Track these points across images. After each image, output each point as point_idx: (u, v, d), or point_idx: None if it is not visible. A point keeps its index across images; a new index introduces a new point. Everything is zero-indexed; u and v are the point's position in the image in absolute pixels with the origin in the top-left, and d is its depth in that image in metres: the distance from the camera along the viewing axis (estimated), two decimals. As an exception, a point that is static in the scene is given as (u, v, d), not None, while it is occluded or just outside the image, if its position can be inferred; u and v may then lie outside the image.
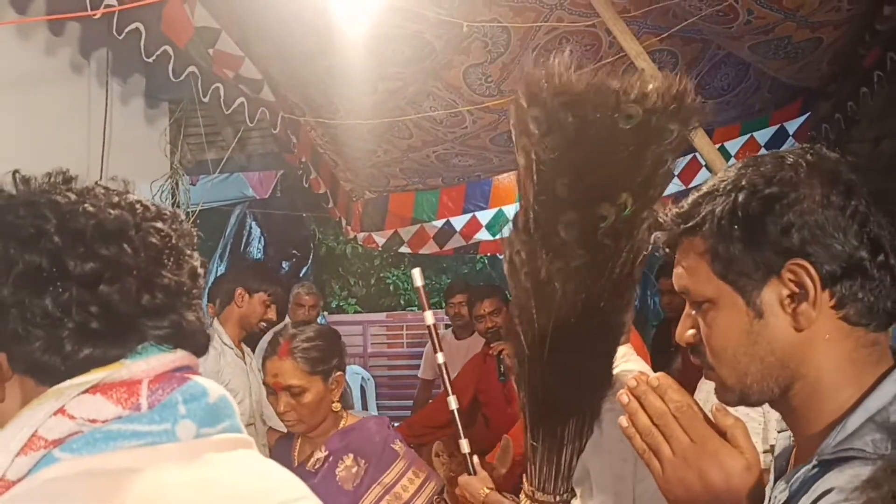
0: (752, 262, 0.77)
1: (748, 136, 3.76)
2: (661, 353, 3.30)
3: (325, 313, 6.45)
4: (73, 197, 0.64)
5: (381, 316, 7.82)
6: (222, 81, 2.52)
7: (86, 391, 0.61)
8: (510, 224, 1.36)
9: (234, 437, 0.66)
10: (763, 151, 3.75)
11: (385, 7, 2.23)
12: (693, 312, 0.83)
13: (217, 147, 3.38)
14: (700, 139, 2.28)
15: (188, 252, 0.69)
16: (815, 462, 0.73)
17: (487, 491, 1.61)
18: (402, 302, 8.61)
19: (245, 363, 2.81)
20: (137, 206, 0.67)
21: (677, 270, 0.84)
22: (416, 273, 1.68)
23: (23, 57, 2.31)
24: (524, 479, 1.49)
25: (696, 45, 2.74)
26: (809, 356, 0.76)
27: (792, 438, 0.84)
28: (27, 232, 0.61)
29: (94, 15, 1.84)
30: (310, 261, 6.86)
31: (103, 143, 2.57)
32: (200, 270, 0.70)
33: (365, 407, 7.10)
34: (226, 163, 3.34)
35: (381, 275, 8.63)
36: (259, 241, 6.21)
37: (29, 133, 2.29)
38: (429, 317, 1.66)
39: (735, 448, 0.79)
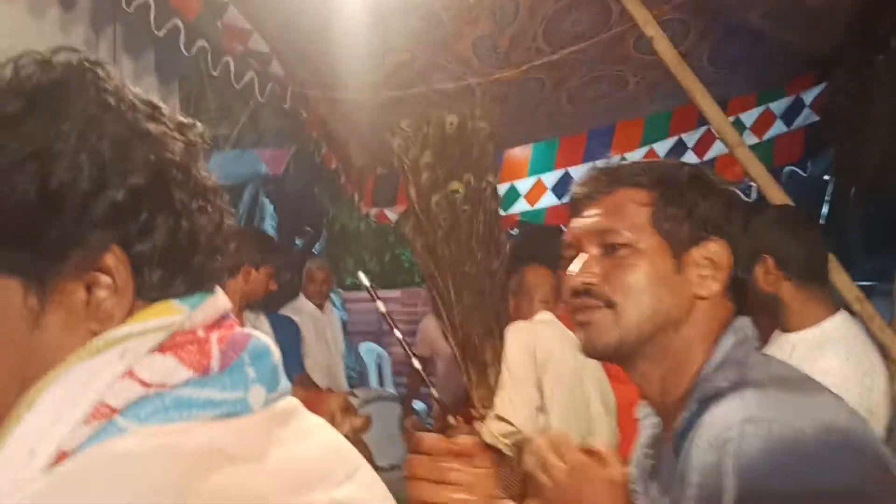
0: (688, 227, 0.90)
1: (764, 107, 3.70)
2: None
3: (340, 290, 6.50)
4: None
5: (396, 293, 7.87)
6: (232, 56, 2.53)
7: (156, 350, 0.53)
8: (406, 217, 2.29)
9: (290, 404, 0.61)
10: (778, 122, 3.73)
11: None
12: (597, 256, 0.91)
13: (229, 123, 3.40)
14: (711, 112, 2.26)
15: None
16: (685, 414, 0.85)
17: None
18: (416, 278, 8.65)
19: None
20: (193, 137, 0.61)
21: (598, 214, 0.92)
22: (362, 276, 2.13)
23: (35, 33, 2.33)
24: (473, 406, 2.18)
25: (708, 14, 2.70)
26: (694, 321, 0.89)
27: (660, 424, 0.96)
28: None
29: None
30: (323, 237, 6.89)
31: (115, 119, 2.59)
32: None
33: (381, 383, 7.17)
34: (238, 139, 3.36)
35: (396, 252, 8.66)
36: (272, 218, 6.26)
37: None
38: (381, 306, 2.16)
39: (605, 467, 0.92)
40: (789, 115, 3.68)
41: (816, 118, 3.56)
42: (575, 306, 0.93)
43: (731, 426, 0.77)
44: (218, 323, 0.58)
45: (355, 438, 2.11)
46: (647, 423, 1.00)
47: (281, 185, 5.70)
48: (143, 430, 0.50)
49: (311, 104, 3.20)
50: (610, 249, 0.90)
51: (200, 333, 0.56)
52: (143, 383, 0.51)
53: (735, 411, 0.79)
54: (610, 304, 0.89)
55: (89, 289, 0.54)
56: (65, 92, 0.55)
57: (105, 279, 0.53)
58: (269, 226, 6.22)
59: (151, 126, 0.56)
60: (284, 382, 0.61)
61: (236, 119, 3.28)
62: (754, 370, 0.85)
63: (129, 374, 0.51)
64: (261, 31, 2.52)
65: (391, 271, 8.76)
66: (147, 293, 0.55)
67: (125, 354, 0.52)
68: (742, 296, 0.93)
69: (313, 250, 6.36)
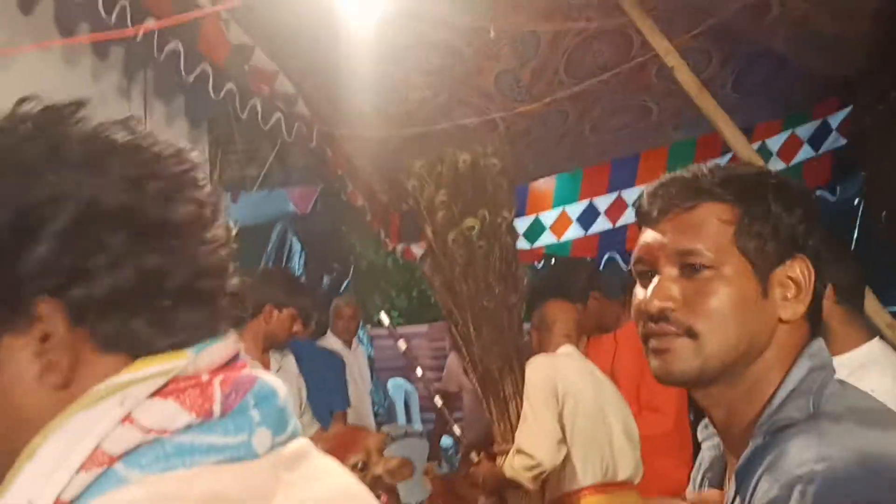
0: (773, 244, 0.82)
1: (790, 132, 3.68)
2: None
3: (368, 326, 6.50)
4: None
5: (424, 328, 7.85)
6: (259, 98, 2.58)
7: (155, 394, 0.52)
8: (423, 255, 2.38)
9: (300, 447, 0.59)
10: (806, 147, 3.70)
11: (411, 15, 2.27)
12: (675, 276, 0.83)
13: (257, 164, 3.46)
14: (735, 139, 2.25)
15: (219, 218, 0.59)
16: (752, 446, 0.79)
17: None
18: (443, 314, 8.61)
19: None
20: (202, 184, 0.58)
21: (677, 230, 0.84)
22: (383, 316, 2.21)
23: (70, 83, 2.41)
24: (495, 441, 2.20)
25: (729, 42, 2.71)
26: (774, 346, 0.83)
27: (721, 447, 0.90)
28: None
29: (134, 34, 1.91)
30: (350, 274, 6.93)
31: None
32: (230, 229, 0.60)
33: (409, 419, 7.11)
34: (266, 179, 3.42)
35: (423, 287, 8.67)
36: (300, 257, 6.31)
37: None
38: (401, 344, 2.32)
39: None
40: (816, 140, 3.65)
41: (843, 141, 3.53)
42: (649, 332, 0.85)
43: (802, 463, 0.71)
44: (226, 366, 0.56)
45: (390, 481, 2.07)
46: (709, 444, 0.94)
47: (308, 223, 5.76)
48: (145, 480, 0.49)
49: (337, 143, 3.25)
50: (690, 270, 0.82)
51: (204, 377, 0.54)
52: (143, 429, 0.50)
53: (807, 448, 0.73)
54: (689, 333, 0.82)
55: (36, 341, 0.52)
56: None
57: (43, 328, 0.52)
58: (297, 264, 6.27)
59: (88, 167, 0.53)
60: (294, 424, 0.59)
61: (264, 159, 3.34)
62: (830, 401, 0.78)
63: (129, 419, 0.50)
64: (286, 72, 2.58)
65: (419, 306, 8.75)
66: (114, 342, 0.53)
67: (125, 401, 0.51)
68: (818, 316, 0.85)
69: (341, 288, 6.39)
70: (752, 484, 0.76)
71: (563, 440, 2.32)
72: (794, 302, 0.83)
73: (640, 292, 0.86)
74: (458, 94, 2.80)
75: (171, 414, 0.51)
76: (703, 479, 0.94)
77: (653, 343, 0.84)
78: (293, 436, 0.59)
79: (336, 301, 4.34)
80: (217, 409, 0.53)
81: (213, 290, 0.56)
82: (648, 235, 0.86)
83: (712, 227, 0.83)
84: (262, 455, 0.54)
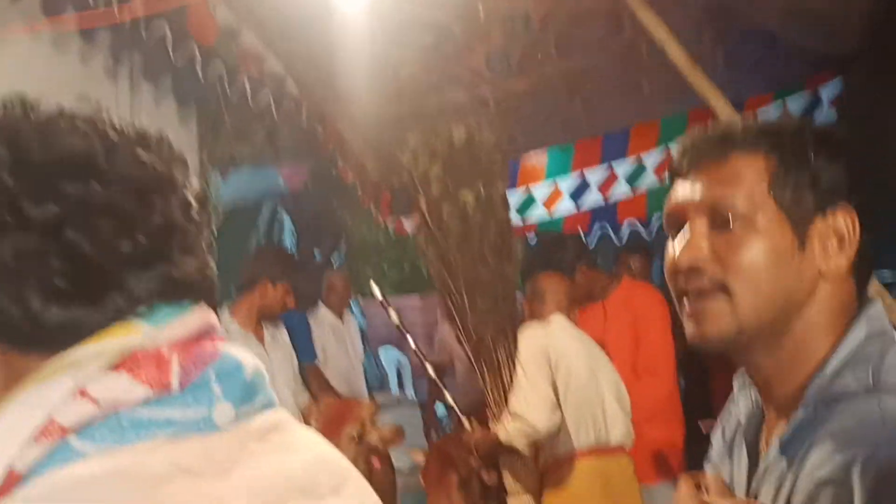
0: (811, 195, 0.77)
1: (781, 104, 3.68)
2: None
3: (360, 298, 6.53)
4: (28, 126, 0.53)
5: (417, 300, 7.89)
6: (248, 78, 2.56)
7: (109, 368, 0.51)
8: (416, 228, 2.39)
9: (274, 418, 0.59)
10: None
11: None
12: (706, 229, 0.78)
13: (247, 143, 3.44)
14: (725, 113, 2.26)
15: (179, 182, 0.58)
16: (802, 413, 0.74)
17: None
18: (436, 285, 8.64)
19: (263, 346, 2.83)
20: (111, 131, 0.55)
21: (708, 182, 0.79)
22: (374, 287, 2.22)
23: (58, 65, 2.38)
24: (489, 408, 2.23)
25: (720, 18, 2.70)
26: (816, 302, 0.77)
27: (759, 402, 0.84)
28: None
29: (118, 18, 1.89)
30: (343, 250, 6.94)
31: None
32: (196, 204, 0.58)
33: (402, 389, 7.19)
34: (256, 158, 3.40)
35: (414, 261, 8.69)
36: (291, 234, 6.31)
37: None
38: (393, 315, 2.27)
39: None
40: (807, 112, 3.65)
41: (835, 115, 3.53)
42: (680, 290, 0.80)
43: (863, 443, 0.67)
44: (192, 340, 0.55)
45: (383, 448, 2.13)
46: (744, 395, 0.87)
47: (300, 200, 5.74)
48: (100, 453, 0.49)
49: (327, 120, 3.23)
50: (722, 223, 0.77)
51: (164, 351, 0.53)
52: (96, 402, 0.50)
53: (868, 426, 0.68)
54: (723, 289, 0.77)
55: None
56: None
57: None
58: (288, 241, 6.27)
59: None
60: (267, 396, 0.59)
61: (254, 138, 3.33)
62: (892, 373, 0.72)
63: (81, 392, 0.50)
64: (275, 52, 2.55)
65: (411, 279, 8.78)
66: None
67: (78, 374, 0.50)
68: (865, 274, 0.80)
69: (332, 262, 6.40)
70: (800, 457, 0.71)
71: (558, 405, 2.37)
72: (836, 255, 0.77)
73: (671, 249, 0.81)
74: (448, 72, 2.78)
75: (124, 387, 0.51)
76: (735, 437, 0.87)
77: (687, 306, 0.79)
78: (266, 407, 0.58)
79: (328, 275, 4.36)
80: (175, 382, 0.52)
81: (161, 257, 0.54)
82: (679, 189, 0.82)
83: (745, 176, 0.78)
84: (223, 428, 0.54)
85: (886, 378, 0.72)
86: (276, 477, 0.55)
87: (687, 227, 0.80)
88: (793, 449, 0.73)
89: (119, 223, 0.52)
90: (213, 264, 0.60)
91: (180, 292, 0.55)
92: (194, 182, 0.60)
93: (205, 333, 0.56)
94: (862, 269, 0.79)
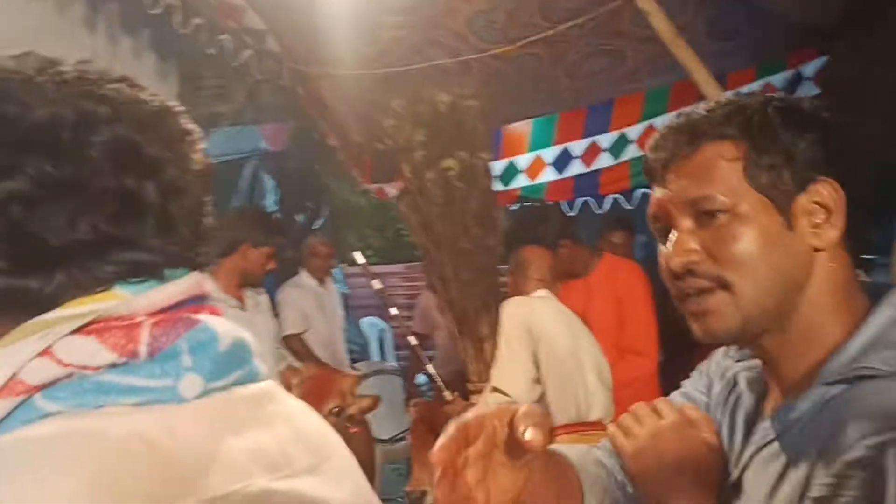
0: (789, 173, 0.77)
1: (764, 81, 3.68)
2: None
3: (343, 265, 6.53)
4: None
5: (399, 267, 7.90)
6: (229, 33, 2.53)
7: (77, 331, 0.51)
8: (398, 194, 2.44)
9: (255, 391, 0.58)
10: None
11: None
12: (691, 228, 0.79)
13: (228, 100, 3.41)
14: (708, 87, 2.26)
15: (170, 159, 0.56)
16: (818, 390, 0.73)
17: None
18: (418, 254, 8.65)
19: (245, 310, 2.83)
20: (87, 102, 0.54)
21: (684, 179, 0.79)
22: (358, 255, 2.22)
23: (34, 15, 2.33)
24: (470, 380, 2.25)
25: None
26: (816, 279, 0.77)
27: (759, 371, 0.85)
28: None
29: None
30: (325, 213, 6.92)
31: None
32: (193, 177, 0.57)
33: (383, 357, 7.24)
34: (237, 116, 3.37)
35: (398, 227, 8.68)
36: (273, 194, 6.27)
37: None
38: (376, 283, 2.35)
39: (702, 432, 0.84)
40: (790, 89, 3.65)
41: (817, 91, 3.54)
42: (680, 292, 0.79)
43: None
44: (171, 309, 0.55)
45: (361, 416, 2.16)
46: (745, 365, 0.87)
47: (282, 160, 5.70)
48: (63, 414, 0.50)
49: (309, 80, 3.20)
50: (706, 218, 0.77)
51: (139, 319, 0.53)
52: (60, 363, 0.50)
53: None
54: (721, 284, 0.77)
55: None
56: None
57: None
58: (271, 202, 6.23)
59: None
60: (249, 369, 0.58)
61: (235, 96, 3.29)
62: None
63: (47, 352, 0.51)
64: (255, 7, 2.51)
65: (393, 246, 8.78)
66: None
67: (46, 336, 0.51)
68: (859, 245, 0.79)
69: (315, 226, 6.39)
70: (823, 437, 0.70)
71: (538, 379, 2.39)
72: (826, 227, 0.77)
73: (662, 252, 0.81)
74: (430, 35, 2.76)
75: (90, 351, 0.51)
76: (736, 403, 0.87)
77: (689, 306, 0.79)
78: (248, 381, 0.58)
79: (311, 239, 4.35)
80: (143, 350, 0.52)
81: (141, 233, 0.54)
82: (658, 191, 0.82)
83: (719, 168, 0.77)
84: (189, 400, 0.53)
85: None
86: (241, 452, 0.53)
87: (674, 228, 0.80)
88: (808, 428, 0.72)
89: (77, 206, 0.51)
90: (204, 239, 0.59)
91: (149, 272, 0.55)
92: (198, 152, 0.59)
93: (191, 302, 0.56)
94: (854, 240, 0.79)
